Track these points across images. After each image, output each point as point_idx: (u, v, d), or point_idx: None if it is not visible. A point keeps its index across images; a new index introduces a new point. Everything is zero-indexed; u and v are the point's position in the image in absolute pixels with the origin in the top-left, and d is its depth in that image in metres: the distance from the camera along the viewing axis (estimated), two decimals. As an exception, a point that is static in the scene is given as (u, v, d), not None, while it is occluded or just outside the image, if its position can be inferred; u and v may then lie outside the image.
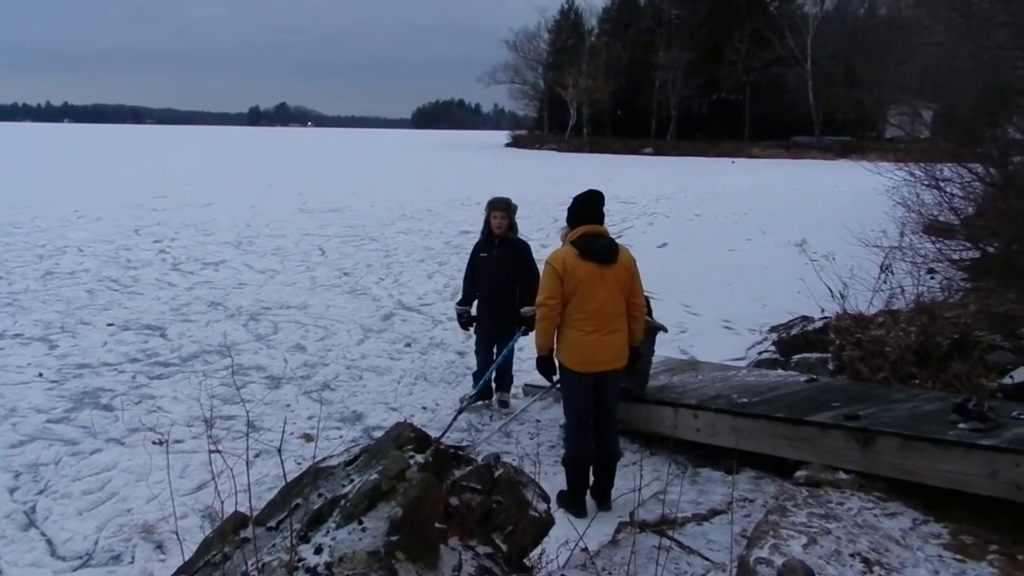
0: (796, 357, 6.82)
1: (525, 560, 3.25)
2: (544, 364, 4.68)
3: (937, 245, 8.70)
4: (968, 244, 8.73)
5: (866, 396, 5.12)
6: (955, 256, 8.73)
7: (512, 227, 6.24)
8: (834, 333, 6.70)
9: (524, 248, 6.29)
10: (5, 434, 5.51)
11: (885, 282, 7.49)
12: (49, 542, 4.19)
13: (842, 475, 4.39)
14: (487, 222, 6.25)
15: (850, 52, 43.36)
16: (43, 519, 4.42)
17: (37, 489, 4.75)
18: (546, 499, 3.45)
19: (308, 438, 5.54)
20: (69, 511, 4.51)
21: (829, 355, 6.54)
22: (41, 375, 6.80)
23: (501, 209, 6.17)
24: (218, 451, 4.26)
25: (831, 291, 7.29)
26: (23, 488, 4.77)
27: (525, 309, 5.72)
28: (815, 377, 5.80)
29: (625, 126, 66.71)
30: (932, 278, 8.51)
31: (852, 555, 3.42)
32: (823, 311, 7.47)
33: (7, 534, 4.24)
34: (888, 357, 5.96)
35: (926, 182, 9.28)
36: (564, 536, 3.63)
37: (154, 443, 5.43)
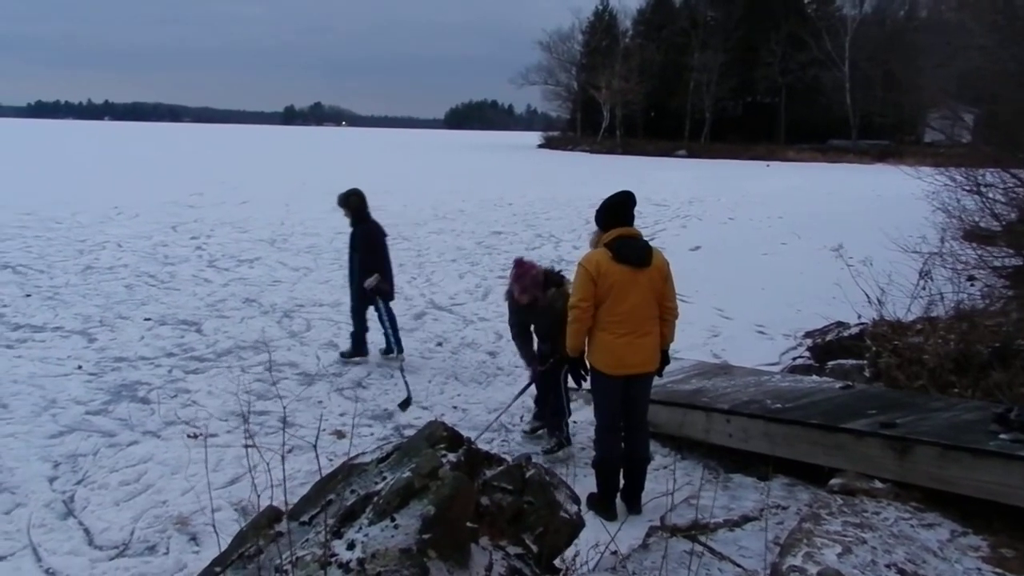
0: (831, 363, 6.73)
1: (556, 562, 3.24)
2: (575, 366, 4.67)
3: (978, 251, 8.54)
4: (1010, 251, 8.55)
5: (903, 404, 5.03)
6: (996, 263, 8.56)
7: (357, 215, 7.36)
8: (870, 339, 6.60)
9: (363, 230, 7.33)
10: (45, 424, 5.62)
11: (924, 288, 7.36)
12: (87, 531, 4.27)
13: (878, 484, 4.32)
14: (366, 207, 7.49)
15: (889, 55, 42.71)
16: (81, 509, 4.50)
17: (76, 479, 4.85)
18: (577, 501, 3.44)
19: (340, 435, 5.59)
20: (106, 501, 4.59)
21: (865, 362, 6.45)
22: (80, 368, 6.93)
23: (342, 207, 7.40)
24: (254, 445, 4.31)
25: (868, 297, 7.19)
26: (62, 478, 4.86)
27: (368, 281, 7.12)
28: (851, 384, 5.71)
29: (658, 128, 66.36)
30: (972, 285, 8.35)
31: (888, 566, 3.37)
32: (859, 317, 7.37)
33: (47, 522, 4.33)
34: (926, 365, 5.86)
35: (967, 187, 9.10)
36: (594, 539, 3.62)
37: (189, 436, 5.51)
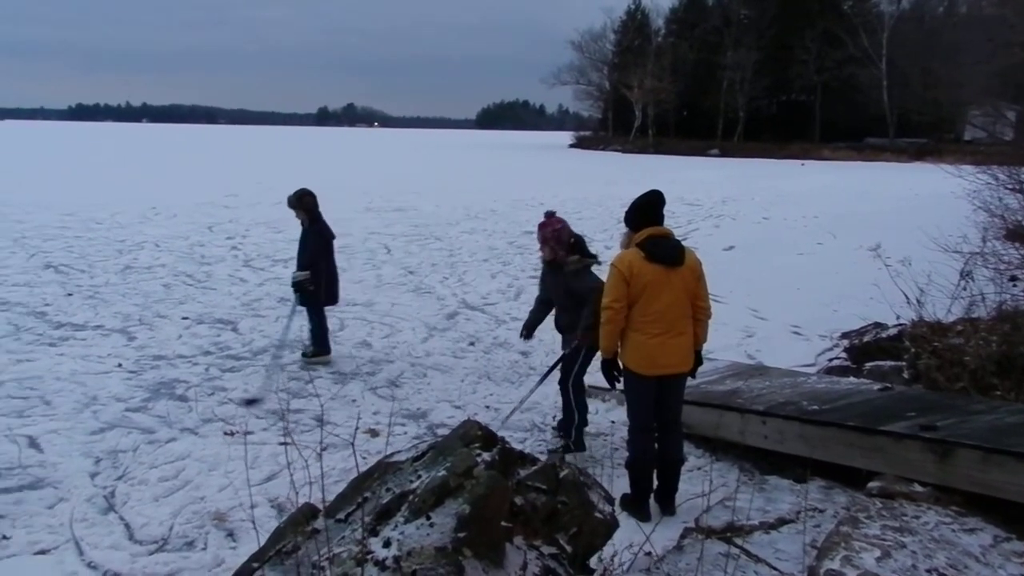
0: (869, 364, 6.63)
1: (590, 562, 3.23)
2: (609, 367, 4.64)
3: (1021, 251, 8.36)
4: (1055, 251, 8.37)
5: (943, 406, 4.94)
6: (1040, 263, 8.37)
7: (311, 215, 7.37)
8: (909, 340, 6.48)
9: (316, 230, 7.36)
10: (87, 421, 5.74)
11: (965, 289, 7.23)
12: (127, 526, 4.35)
13: (917, 487, 4.24)
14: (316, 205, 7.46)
15: (928, 51, 41.95)
16: (122, 504, 4.58)
17: (116, 475, 4.93)
18: (611, 501, 3.44)
19: (373, 433, 5.62)
20: (146, 497, 4.67)
21: (904, 363, 6.34)
22: (120, 365, 7.06)
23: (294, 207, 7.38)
24: (292, 443, 4.35)
25: (907, 297, 7.06)
26: (103, 473, 4.95)
27: (297, 274, 7.22)
28: (889, 386, 5.62)
29: (690, 127, 65.96)
30: (1015, 286, 8.17)
31: (929, 571, 3.31)
32: (898, 318, 7.25)
33: (88, 517, 4.41)
34: (967, 366, 5.74)
35: (1010, 186, 8.93)
36: (628, 539, 3.60)
37: (225, 434, 5.59)
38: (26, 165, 33.17)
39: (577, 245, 5.49)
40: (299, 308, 7.33)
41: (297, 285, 7.21)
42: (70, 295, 9.70)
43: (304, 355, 7.36)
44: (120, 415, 5.89)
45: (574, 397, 5.48)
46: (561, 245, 5.45)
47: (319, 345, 7.38)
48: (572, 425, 5.49)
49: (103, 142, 60.25)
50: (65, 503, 4.54)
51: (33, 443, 5.31)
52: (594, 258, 5.51)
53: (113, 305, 9.27)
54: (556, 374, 5.61)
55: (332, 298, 7.45)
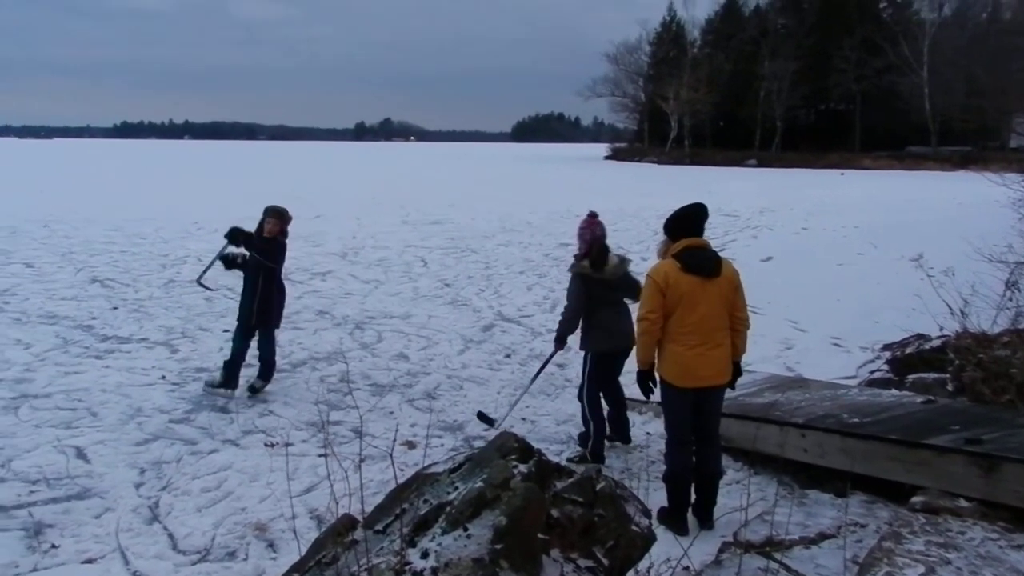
0: (911, 377, 6.51)
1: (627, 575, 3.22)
2: (644, 379, 4.63)
3: (1069, 261, 8.15)
4: (1104, 260, 8.14)
5: (989, 420, 4.83)
6: (1090, 273, 8.14)
7: (283, 232, 6.91)
8: (953, 352, 6.36)
9: (282, 245, 6.93)
10: (132, 432, 5.86)
11: (1011, 299, 7.06)
12: (171, 536, 4.43)
13: (963, 502, 4.15)
14: (261, 225, 6.85)
15: (971, 58, 41.25)
16: (165, 514, 4.67)
17: (160, 485, 5.03)
18: (648, 514, 3.42)
19: (410, 445, 5.66)
20: (189, 507, 4.75)
21: (948, 375, 6.21)
22: (164, 377, 7.21)
23: (275, 216, 6.82)
24: (332, 454, 4.40)
25: (950, 308, 6.93)
26: (147, 484, 5.06)
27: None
28: (932, 398, 5.51)
29: (727, 137, 65.51)
30: (1063, 296, 7.96)
31: (975, 587, 3.24)
32: (941, 329, 7.11)
33: (133, 527, 4.51)
34: (1014, 379, 5.61)
35: (1057, 194, 8.72)
36: (666, 553, 3.57)
37: (266, 445, 5.67)
38: (74, 182, 34.05)
39: (592, 251, 5.55)
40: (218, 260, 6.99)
41: (227, 258, 6.88)
42: (115, 308, 9.94)
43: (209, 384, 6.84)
44: (164, 426, 6.02)
45: (588, 410, 5.58)
46: (581, 242, 5.60)
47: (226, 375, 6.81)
48: (588, 434, 5.59)
49: (147, 159, 61.62)
50: (111, 513, 4.64)
51: (80, 454, 5.44)
52: (591, 267, 5.54)
53: (157, 318, 9.46)
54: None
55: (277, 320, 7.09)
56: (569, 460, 5.36)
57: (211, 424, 6.07)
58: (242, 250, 6.84)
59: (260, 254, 6.73)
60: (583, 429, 5.73)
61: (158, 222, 18.76)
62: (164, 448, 5.59)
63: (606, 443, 5.70)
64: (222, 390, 6.73)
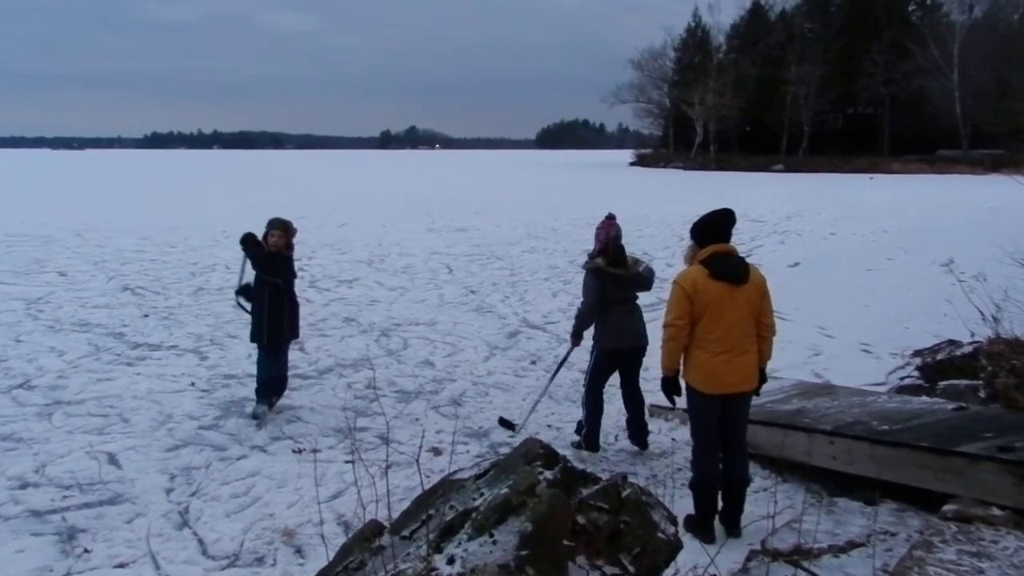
0: (942, 383, 6.41)
1: (653, 583, 3.20)
2: (669, 385, 4.60)
3: (1104, 265, 7.99)
4: None
5: (1022, 427, 4.75)
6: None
7: (288, 245, 6.74)
8: (986, 359, 6.26)
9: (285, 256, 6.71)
10: (162, 439, 5.94)
11: (1044, 305, 6.94)
12: (200, 541, 4.48)
13: (995, 511, 4.08)
14: (266, 238, 6.65)
15: (1002, 61, 40.65)
16: (195, 519, 4.73)
17: (190, 491, 5.10)
18: (674, 522, 3.40)
19: (436, 451, 5.69)
20: (218, 513, 4.80)
21: (980, 382, 6.12)
22: (193, 384, 7.30)
23: (280, 229, 6.64)
24: (359, 460, 4.43)
25: (982, 314, 6.82)
26: (177, 490, 5.12)
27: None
28: (964, 405, 5.43)
29: (753, 143, 65.09)
30: (1099, 301, 7.81)
31: (1008, 597, 3.19)
32: (973, 335, 7.00)
33: (164, 532, 4.56)
34: (1048, 386, 5.52)
35: (1091, 197, 8.56)
36: (692, 561, 3.55)
37: (293, 451, 5.72)
38: (105, 192, 34.64)
39: (608, 249, 5.66)
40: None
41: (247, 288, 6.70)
42: (146, 316, 10.08)
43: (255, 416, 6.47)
44: (193, 432, 6.09)
45: (586, 397, 5.84)
46: (599, 240, 5.73)
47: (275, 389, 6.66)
48: (582, 424, 5.84)
49: (177, 169, 62.52)
50: (142, 518, 4.71)
51: (112, 459, 5.52)
52: (603, 267, 5.66)
53: (187, 326, 9.59)
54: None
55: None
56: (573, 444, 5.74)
57: (240, 430, 6.14)
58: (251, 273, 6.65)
59: (264, 270, 6.56)
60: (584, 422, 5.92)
61: (187, 231, 19.02)
62: (194, 454, 5.66)
63: (627, 447, 5.84)
64: (263, 408, 6.47)
